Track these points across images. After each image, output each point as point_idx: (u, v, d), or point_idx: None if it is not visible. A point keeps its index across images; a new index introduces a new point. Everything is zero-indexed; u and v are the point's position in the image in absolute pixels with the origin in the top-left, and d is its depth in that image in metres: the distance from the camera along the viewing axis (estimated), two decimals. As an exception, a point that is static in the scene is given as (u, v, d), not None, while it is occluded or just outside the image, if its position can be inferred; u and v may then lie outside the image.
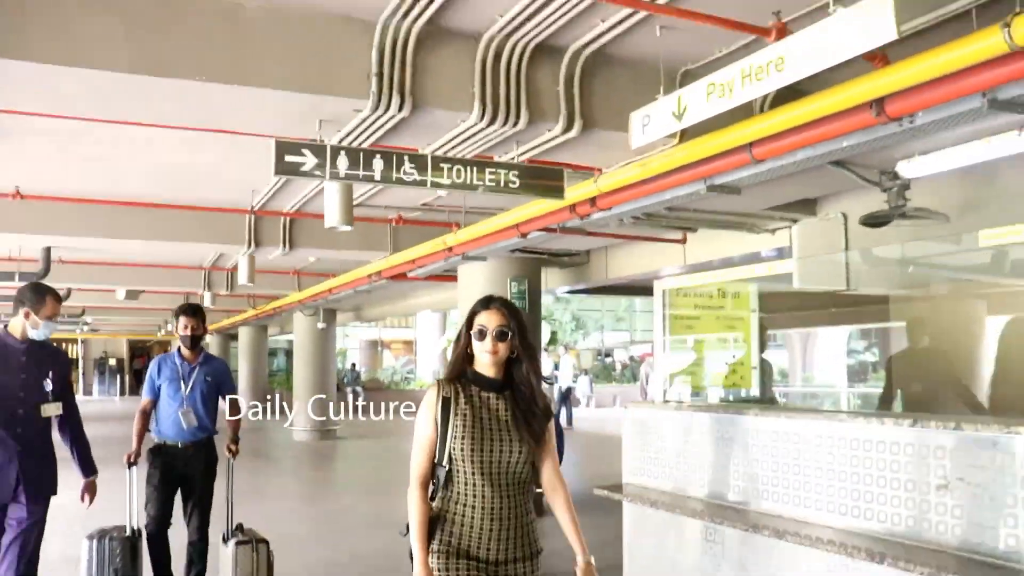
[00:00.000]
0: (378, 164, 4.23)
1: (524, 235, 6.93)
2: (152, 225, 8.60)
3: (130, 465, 4.90)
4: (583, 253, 10.00)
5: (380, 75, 3.90)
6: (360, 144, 4.46)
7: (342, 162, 4.16)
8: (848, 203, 6.66)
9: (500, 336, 2.60)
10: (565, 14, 3.88)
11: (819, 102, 3.89)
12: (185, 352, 5.15)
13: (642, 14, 3.91)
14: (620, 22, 4.01)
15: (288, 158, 4.08)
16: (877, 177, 5.28)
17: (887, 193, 5.31)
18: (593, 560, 2.66)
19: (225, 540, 4.93)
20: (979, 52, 3.10)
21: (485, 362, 2.63)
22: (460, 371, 2.69)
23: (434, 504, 2.64)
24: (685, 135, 4.55)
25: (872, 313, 8.93)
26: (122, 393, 32.80)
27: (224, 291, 13.55)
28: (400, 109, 4.01)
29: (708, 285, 5.29)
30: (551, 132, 4.42)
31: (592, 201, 5.81)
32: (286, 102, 4.01)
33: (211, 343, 30.34)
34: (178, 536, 5.07)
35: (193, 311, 5.19)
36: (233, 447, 5.15)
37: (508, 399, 2.66)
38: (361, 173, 4.23)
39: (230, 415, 5.26)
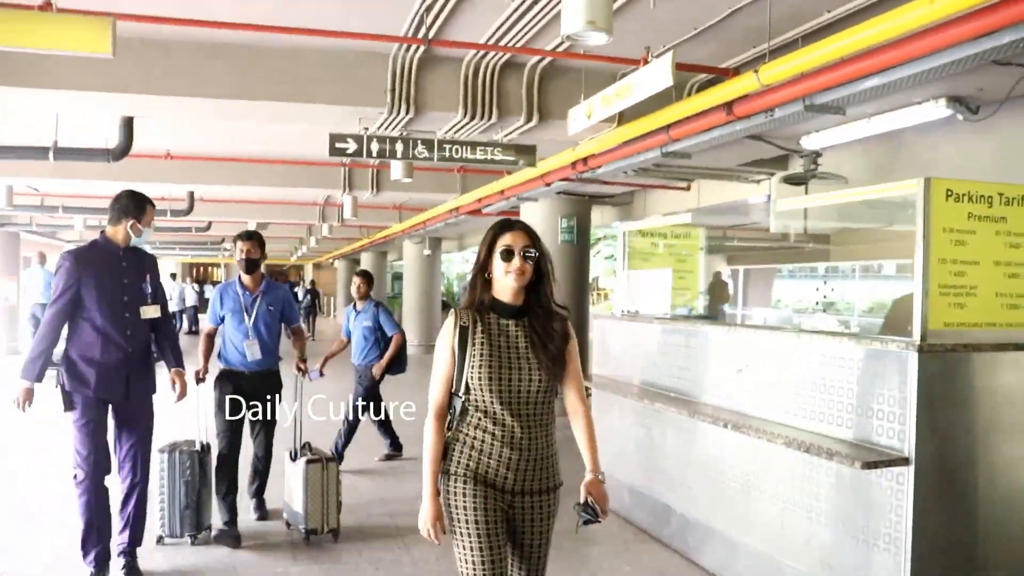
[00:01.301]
0: (399, 147, 6.41)
1: (548, 184, 8.94)
2: (270, 175, 11.23)
3: (198, 381, 5.23)
4: (628, 194, 11.83)
5: (393, 91, 6.07)
6: (386, 134, 6.63)
7: (374, 146, 6.36)
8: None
9: (527, 256, 2.61)
10: (523, 37, 5.75)
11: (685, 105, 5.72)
12: (245, 279, 5.37)
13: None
14: (560, 44, 5.91)
15: (338, 145, 6.31)
16: (797, 146, 6.91)
17: (803, 159, 6.95)
18: (603, 477, 2.74)
19: (293, 458, 5.28)
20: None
21: (508, 285, 2.64)
22: (478, 298, 2.69)
23: (450, 433, 2.69)
24: (623, 118, 6.40)
25: (802, 254, 10.32)
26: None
27: (337, 223, 16.22)
28: (407, 113, 6.14)
29: (663, 227, 7.11)
30: (517, 123, 6.44)
31: (584, 161, 7.76)
32: (335, 110, 6.23)
33: (338, 268, 34.14)
34: (245, 448, 5.50)
35: (249, 235, 5.40)
36: (302, 365, 5.51)
37: (526, 325, 2.67)
38: (388, 152, 6.41)
39: (295, 343, 5.65)
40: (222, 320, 5.35)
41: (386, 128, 6.55)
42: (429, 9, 5.01)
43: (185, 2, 5.06)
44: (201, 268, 40.91)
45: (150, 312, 4.37)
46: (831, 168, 7.38)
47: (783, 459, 4.41)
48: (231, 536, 5.18)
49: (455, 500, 2.64)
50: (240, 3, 5.12)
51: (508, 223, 2.71)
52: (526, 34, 5.39)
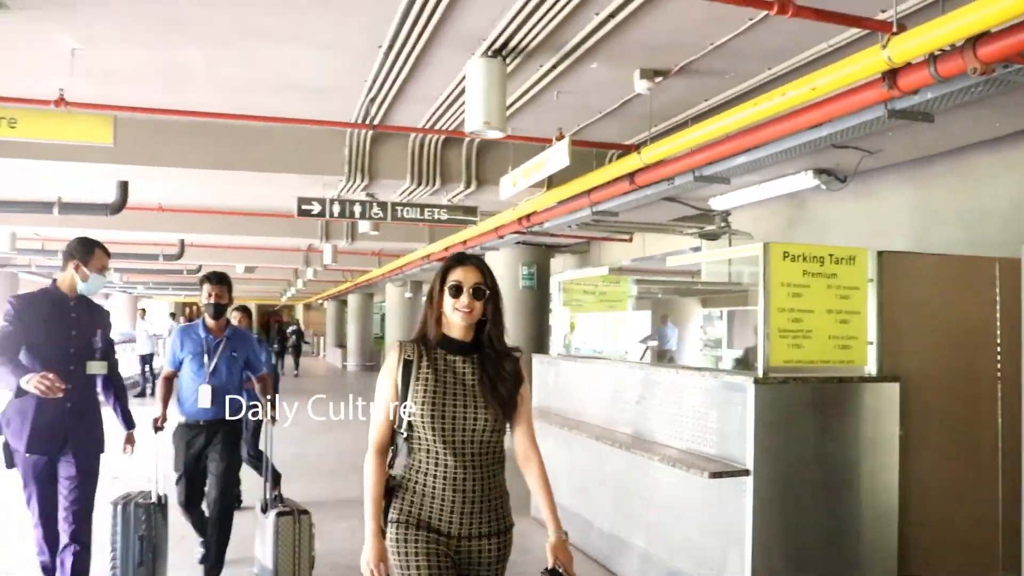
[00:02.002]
0: (357, 208, 7.43)
1: (501, 236, 9.96)
2: (255, 225, 12.30)
3: (156, 430, 4.87)
4: (585, 244, 12.87)
5: (350, 162, 7.16)
6: (346, 196, 7.68)
7: (335, 208, 7.38)
8: (737, 215, 9.26)
9: (476, 293, 2.51)
10: (453, 122, 6.80)
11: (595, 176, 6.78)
12: (210, 323, 5.04)
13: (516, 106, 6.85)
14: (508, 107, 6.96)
15: (304, 207, 7.35)
16: (708, 207, 7.96)
17: (716, 218, 7.99)
18: (567, 536, 2.59)
19: (264, 510, 4.91)
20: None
21: (456, 322, 2.53)
22: (426, 332, 2.59)
23: (393, 472, 2.57)
24: (552, 183, 7.44)
25: (717, 299, 11.33)
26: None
27: (320, 267, 17.21)
28: (363, 180, 7.21)
29: (593, 278, 8.09)
30: (459, 189, 7.49)
31: (528, 217, 8.79)
32: (302, 178, 7.28)
33: (327, 309, 35.17)
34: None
35: (218, 279, 5.13)
36: (271, 413, 5.04)
37: (475, 363, 2.56)
38: (348, 213, 7.42)
39: (262, 392, 5.24)
40: (181, 364, 5.03)
41: (346, 192, 7.60)
42: (373, 100, 6.12)
43: (173, 91, 6.17)
44: (194, 307, 41.85)
45: (96, 368, 4.10)
46: (748, 224, 8.43)
47: (667, 474, 5.32)
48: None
49: (398, 548, 2.51)
50: (218, 92, 6.21)
51: (461, 258, 2.61)
52: (455, 120, 6.46)
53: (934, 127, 4.84)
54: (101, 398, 4.30)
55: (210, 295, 5.04)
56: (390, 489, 2.59)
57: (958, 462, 5.14)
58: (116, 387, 4.36)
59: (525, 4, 4.44)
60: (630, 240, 11.03)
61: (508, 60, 5.03)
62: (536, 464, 2.67)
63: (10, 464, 4.03)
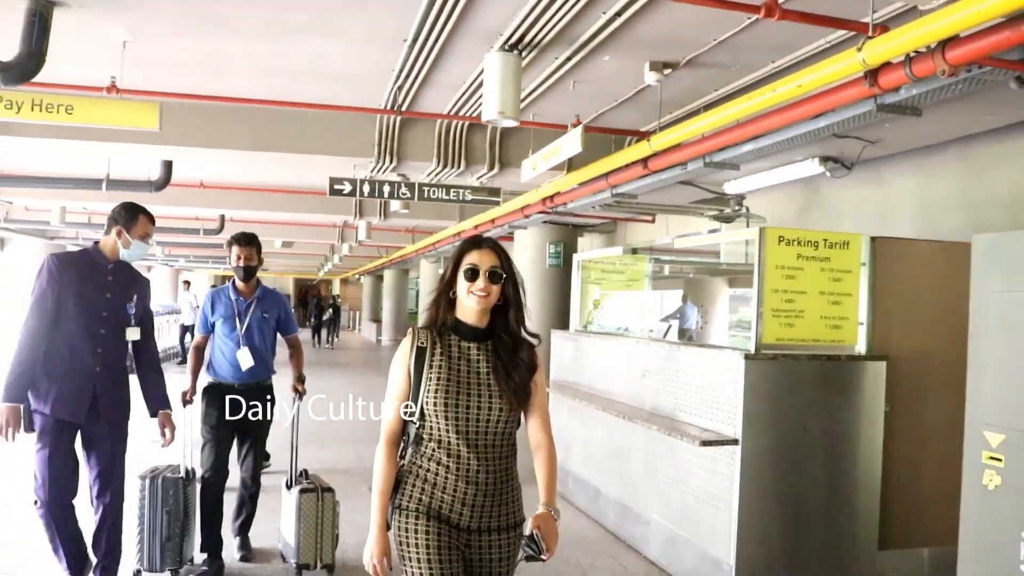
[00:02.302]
0: (386, 188, 7.88)
1: (527, 216, 10.36)
2: (291, 202, 12.84)
3: (185, 403, 4.83)
4: (611, 224, 13.21)
5: (379, 145, 7.60)
6: (375, 177, 8.13)
7: (365, 188, 7.84)
8: (751, 199, 9.55)
9: (493, 277, 2.45)
10: (477, 108, 7.18)
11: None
12: (240, 285, 4.98)
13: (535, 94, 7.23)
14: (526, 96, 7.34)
15: (336, 186, 7.81)
16: (723, 191, 8.29)
17: (730, 201, 8.31)
18: (555, 513, 2.51)
19: (289, 486, 4.89)
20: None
21: (471, 307, 2.47)
22: (439, 318, 2.53)
23: (404, 463, 2.52)
24: (572, 166, 7.81)
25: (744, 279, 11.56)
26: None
27: (355, 243, 17.76)
28: (391, 162, 7.64)
29: (612, 257, 8.44)
30: (483, 171, 7.89)
31: (551, 198, 9.17)
32: (334, 159, 7.73)
33: (363, 284, 35.96)
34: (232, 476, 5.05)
35: (247, 240, 5.00)
36: (299, 386, 5.02)
37: (489, 350, 2.51)
38: (376, 193, 7.88)
39: (292, 359, 5.19)
40: (213, 328, 4.98)
41: (375, 173, 8.05)
42: (400, 88, 6.54)
43: (215, 79, 6.65)
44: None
45: (131, 334, 4.07)
46: (764, 208, 8.73)
47: (667, 443, 5.70)
48: (214, 570, 4.86)
49: (406, 537, 2.45)
50: (255, 80, 6.68)
51: (477, 240, 2.54)
52: (477, 107, 6.86)
53: (928, 120, 5.14)
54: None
55: (239, 257, 4.93)
56: (398, 479, 2.52)
57: (939, 438, 5.45)
58: (149, 358, 4.25)
59: (538, 2, 4.82)
60: (652, 221, 11.37)
61: (524, 54, 5.41)
62: (546, 451, 2.60)
63: (29, 427, 3.88)
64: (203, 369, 5.06)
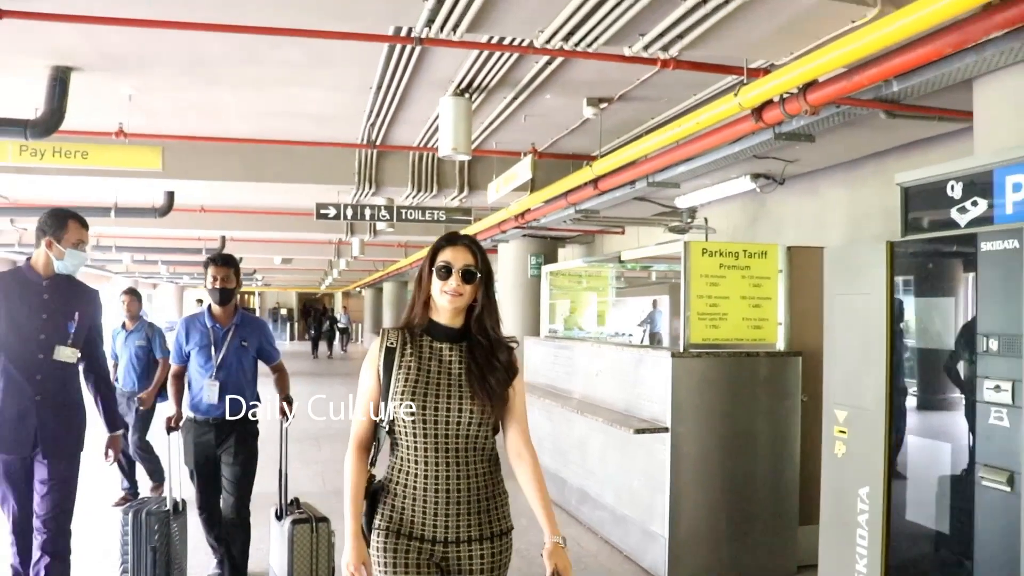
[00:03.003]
0: (368, 211, 8.75)
1: (503, 231, 11.23)
2: (288, 223, 13.81)
3: (169, 430, 4.56)
4: (589, 235, 14.06)
5: (359, 174, 8.54)
6: (358, 201, 9.02)
7: (348, 212, 8.73)
8: (707, 211, 10.38)
9: (466, 276, 2.36)
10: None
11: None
12: (216, 311, 4.61)
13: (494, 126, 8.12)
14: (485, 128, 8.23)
15: (322, 211, 8.72)
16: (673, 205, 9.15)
17: (681, 213, 9.16)
18: (563, 541, 2.44)
19: (279, 516, 4.63)
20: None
21: (444, 306, 2.38)
22: (413, 318, 2.45)
23: (374, 471, 2.47)
24: (535, 187, 8.68)
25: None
26: (291, 339, 40.61)
27: (351, 258, 18.64)
28: (371, 188, 8.54)
29: (578, 268, 9.29)
30: (454, 193, 8.79)
31: (522, 215, 10.04)
32: (319, 187, 8.66)
33: (364, 296, 36.95)
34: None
35: (223, 260, 4.69)
36: (286, 408, 4.65)
37: (463, 351, 2.41)
38: (359, 215, 8.76)
39: (277, 384, 4.81)
40: (188, 358, 4.65)
41: (357, 198, 8.95)
42: (373, 125, 7.48)
43: (210, 122, 7.57)
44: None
45: (65, 354, 3.64)
46: (719, 219, 9.60)
47: (616, 434, 6.48)
48: None
49: (382, 557, 2.40)
50: (246, 121, 7.61)
51: (452, 237, 2.46)
52: (443, 140, 7.79)
53: (833, 141, 5.97)
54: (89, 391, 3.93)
55: (215, 279, 4.56)
56: (374, 490, 2.46)
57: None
58: (96, 378, 3.93)
59: (479, 55, 5.69)
60: (623, 233, 12.24)
61: (473, 96, 6.32)
62: (528, 463, 2.51)
63: None
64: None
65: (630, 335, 11.76)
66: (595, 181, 7.58)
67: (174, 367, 4.73)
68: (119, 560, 4.41)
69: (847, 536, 3.89)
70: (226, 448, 4.58)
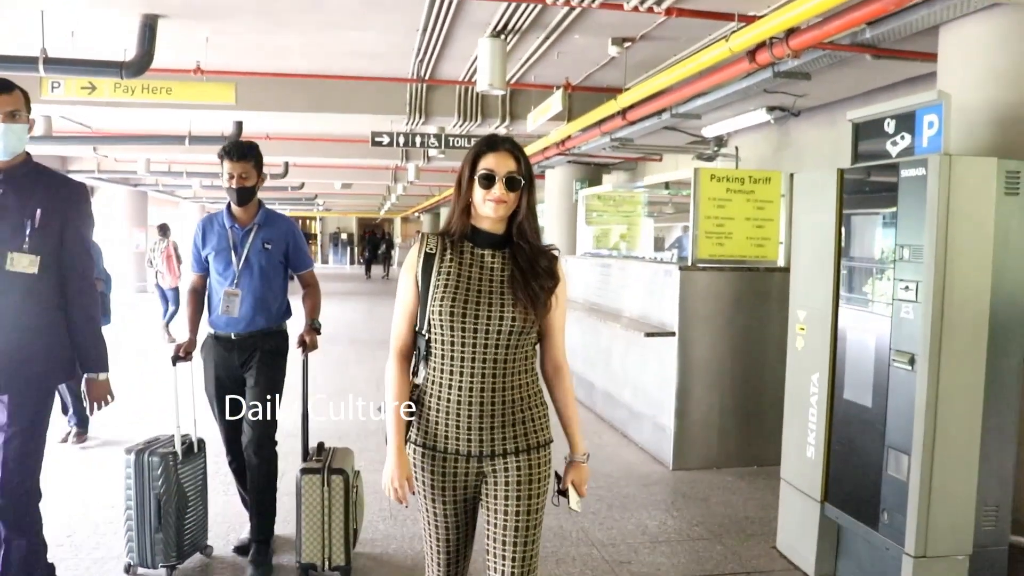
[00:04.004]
0: (417, 139, 9.70)
1: (548, 157, 12.07)
2: (347, 149, 14.85)
3: (175, 360, 3.98)
4: (633, 162, 14.79)
5: (409, 104, 9.41)
6: (410, 130, 9.97)
7: (401, 139, 9.68)
8: (737, 140, 11.03)
9: (510, 183, 2.30)
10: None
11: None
12: (235, 210, 4.02)
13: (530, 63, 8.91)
14: (513, 76, 9.03)
15: (376, 139, 9.71)
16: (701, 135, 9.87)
17: (709, 142, 9.87)
18: (585, 459, 2.48)
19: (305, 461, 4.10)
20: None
21: (487, 214, 2.33)
22: (454, 223, 2.40)
23: (417, 380, 2.41)
24: (571, 116, 9.49)
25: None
26: (351, 262, 42.25)
27: (407, 183, 19.64)
28: (420, 118, 9.45)
29: (611, 193, 10.12)
30: (497, 123, 9.64)
31: (563, 142, 10.85)
32: (374, 117, 9.62)
33: (423, 221, 38.09)
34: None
35: (240, 152, 3.95)
36: (307, 338, 4.12)
37: (507, 257, 2.37)
38: (409, 142, 9.72)
39: (305, 301, 4.24)
40: (207, 265, 4.10)
41: (408, 126, 9.90)
42: (421, 62, 8.35)
43: (277, 60, 8.54)
44: (300, 221, 45.75)
45: (21, 264, 2.94)
46: (747, 148, 10.29)
47: (634, 339, 7.34)
48: (260, 572, 4.08)
49: (414, 472, 2.42)
50: (309, 60, 8.57)
51: (493, 141, 2.38)
52: (486, 73, 8.64)
53: (834, 79, 6.68)
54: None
55: (231, 176, 3.93)
56: (415, 400, 2.42)
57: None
58: (71, 299, 3.11)
59: (509, 4, 6.51)
60: (660, 160, 12.96)
61: (508, 37, 7.12)
62: (563, 379, 2.50)
63: None
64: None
65: (659, 258, 12.56)
66: (623, 112, 8.36)
67: (193, 278, 4.20)
68: (123, 507, 3.95)
69: (802, 415, 4.76)
70: (248, 369, 4.04)
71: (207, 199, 29.05)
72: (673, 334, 6.63)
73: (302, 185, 22.16)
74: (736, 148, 10.46)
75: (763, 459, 6.37)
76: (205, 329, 4.22)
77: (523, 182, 2.35)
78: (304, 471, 3.96)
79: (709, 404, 6.60)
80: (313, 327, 4.20)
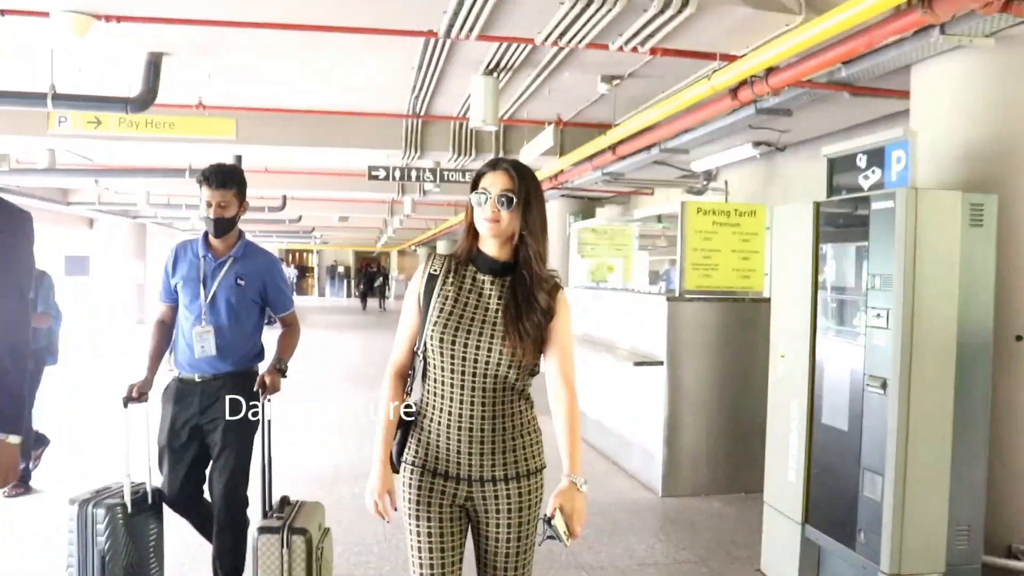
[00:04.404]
0: (413, 173, 9.96)
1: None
2: (344, 183, 15.07)
3: (126, 402, 3.56)
4: (626, 196, 15.05)
5: (405, 140, 9.74)
6: (407, 164, 10.23)
7: (397, 173, 9.93)
8: (727, 174, 11.28)
9: (504, 202, 2.28)
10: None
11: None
12: (213, 241, 3.71)
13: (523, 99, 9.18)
14: (505, 113, 9.29)
15: (373, 172, 9.95)
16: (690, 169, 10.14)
17: (699, 176, 10.13)
18: (580, 483, 2.28)
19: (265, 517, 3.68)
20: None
21: (485, 234, 2.33)
22: (462, 247, 2.42)
23: (411, 399, 2.43)
24: (563, 151, 9.75)
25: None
26: (348, 295, 42.56)
27: (404, 217, 19.91)
28: (416, 152, 9.71)
29: (602, 226, 10.35)
30: (490, 157, 9.88)
31: (556, 177, 11.11)
32: (371, 152, 9.90)
33: (419, 254, 38.43)
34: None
35: (221, 179, 3.61)
36: (268, 379, 3.62)
37: (504, 286, 2.36)
38: (405, 177, 9.97)
39: (281, 336, 3.86)
40: (177, 295, 3.73)
41: (404, 160, 10.17)
42: (417, 98, 8.61)
43: (274, 93, 8.81)
44: (297, 254, 45.99)
45: None
46: (735, 182, 10.57)
47: (627, 369, 7.42)
48: None
49: (403, 492, 2.43)
50: (309, 96, 8.84)
51: (495, 162, 2.39)
52: (479, 110, 8.92)
53: (816, 116, 6.95)
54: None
55: (209, 205, 3.65)
56: (407, 426, 2.43)
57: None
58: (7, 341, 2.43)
59: (500, 45, 6.77)
60: (652, 194, 13.24)
61: (500, 75, 7.39)
62: (566, 404, 2.39)
63: None
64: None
65: (650, 290, 12.76)
66: (613, 147, 8.62)
67: (161, 309, 3.84)
68: (66, 560, 3.57)
69: (783, 440, 4.92)
70: (212, 419, 3.64)
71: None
72: (661, 363, 6.79)
73: (300, 218, 22.42)
74: (726, 182, 10.73)
75: (750, 486, 6.49)
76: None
77: (515, 200, 2.31)
78: (261, 530, 3.58)
79: (697, 432, 6.76)
80: (279, 368, 3.72)
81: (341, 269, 45.07)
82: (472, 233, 2.40)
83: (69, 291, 26.68)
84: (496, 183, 2.32)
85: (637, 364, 6.91)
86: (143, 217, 22.71)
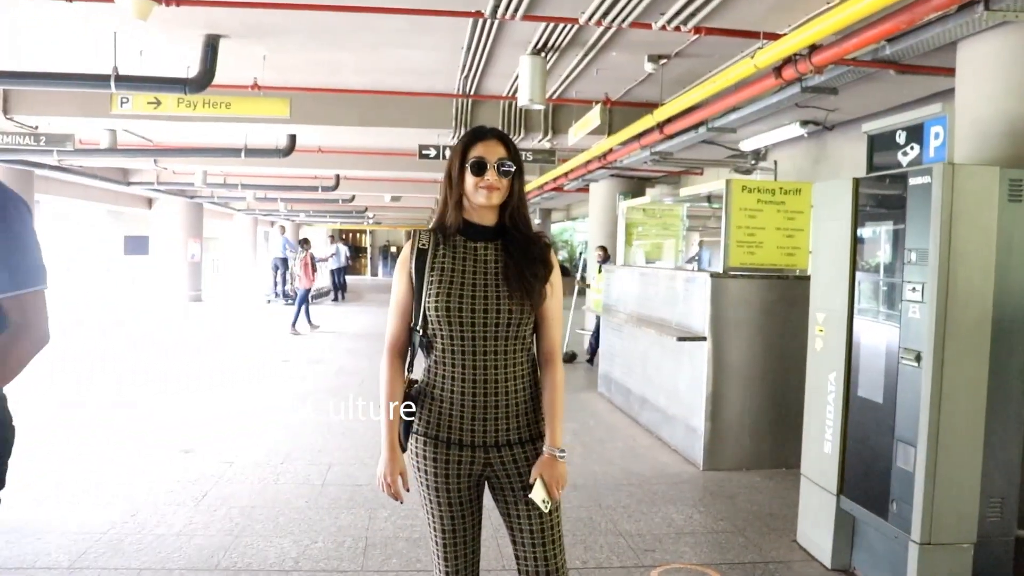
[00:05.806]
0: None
1: (591, 170, 12.45)
2: (396, 163, 15.37)
3: None
4: (676, 175, 15.08)
5: (455, 119, 9.90)
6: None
7: (446, 152, 10.13)
8: (776, 154, 11.28)
9: (503, 170, 2.33)
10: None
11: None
12: None
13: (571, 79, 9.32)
14: (554, 92, 9.44)
15: (423, 151, 10.21)
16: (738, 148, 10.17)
17: (747, 156, 10.15)
18: (560, 454, 2.38)
19: None
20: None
21: (480, 203, 2.35)
22: (446, 219, 2.42)
23: (413, 376, 2.46)
24: (611, 131, 9.86)
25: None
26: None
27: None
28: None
29: (651, 205, 10.44)
30: (539, 136, 10.07)
31: (604, 156, 11.22)
32: (421, 131, 10.13)
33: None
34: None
35: None
36: None
37: (499, 248, 2.40)
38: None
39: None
40: None
41: (454, 139, 10.38)
42: (466, 78, 8.80)
43: (331, 76, 9.08)
44: (351, 234, 46.73)
45: None
46: (785, 161, 10.55)
47: (668, 343, 7.65)
48: None
49: (417, 463, 2.46)
50: (362, 76, 9.09)
51: (480, 131, 2.43)
52: (527, 90, 9.08)
53: (865, 93, 6.96)
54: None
55: None
56: (414, 395, 2.45)
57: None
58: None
59: (548, 24, 6.93)
60: (701, 173, 13.26)
61: (548, 55, 7.54)
62: (551, 369, 2.47)
63: None
64: None
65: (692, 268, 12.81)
66: (660, 126, 8.71)
67: None
68: None
69: (820, 412, 5.03)
70: None
71: (259, 211, 29.95)
72: (704, 338, 6.90)
73: (352, 198, 22.86)
74: (775, 161, 10.74)
75: (792, 461, 6.55)
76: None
77: (514, 168, 2.38)
78: None
79: (740, 407, 6.87)
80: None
81: (394, 249, 45.73)
82: (457, 204, 2.41)
83: (127, 270, 27.72)
84: (491, 152, 2.36)
85: (680, 339, 7.05)
86: (199, 197, 23.33)
